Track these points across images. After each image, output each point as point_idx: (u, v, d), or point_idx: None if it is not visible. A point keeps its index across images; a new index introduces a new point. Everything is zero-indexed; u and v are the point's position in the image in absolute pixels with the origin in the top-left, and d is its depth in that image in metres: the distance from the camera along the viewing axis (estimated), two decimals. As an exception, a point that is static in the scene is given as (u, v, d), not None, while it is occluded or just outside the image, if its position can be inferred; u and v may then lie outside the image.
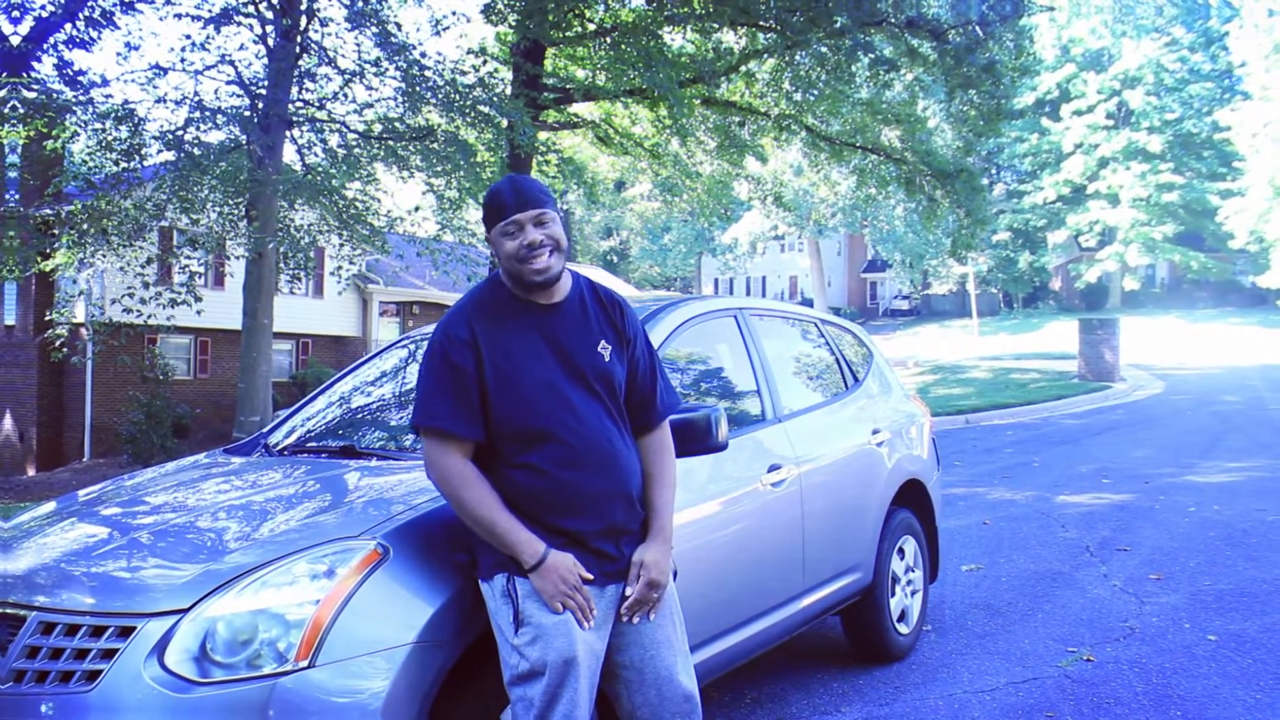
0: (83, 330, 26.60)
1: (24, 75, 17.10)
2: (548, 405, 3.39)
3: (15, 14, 17.03)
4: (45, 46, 17.33)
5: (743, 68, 24.61)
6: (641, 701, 3.51)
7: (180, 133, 17.84)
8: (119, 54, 18.47)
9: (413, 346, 5.71)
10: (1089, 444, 18.03)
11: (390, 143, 19.54)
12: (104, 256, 19.85)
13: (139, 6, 18.33)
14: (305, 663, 3.07)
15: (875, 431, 6.45)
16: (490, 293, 3.56)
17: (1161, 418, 22.26)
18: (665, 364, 4.11)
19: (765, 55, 23.97)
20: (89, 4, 17.42)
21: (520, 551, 3.25)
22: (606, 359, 3.56)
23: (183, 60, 18.50)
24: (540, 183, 3.49)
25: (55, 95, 17.37)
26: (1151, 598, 7.70)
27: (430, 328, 5.75)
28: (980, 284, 72.39)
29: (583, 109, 25.97)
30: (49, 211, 19.82)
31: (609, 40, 22.83)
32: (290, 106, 18.69)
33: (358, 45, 19.51)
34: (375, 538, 3.40)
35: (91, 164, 19.10)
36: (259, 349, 19.06)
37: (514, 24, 22.01)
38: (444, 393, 3.37)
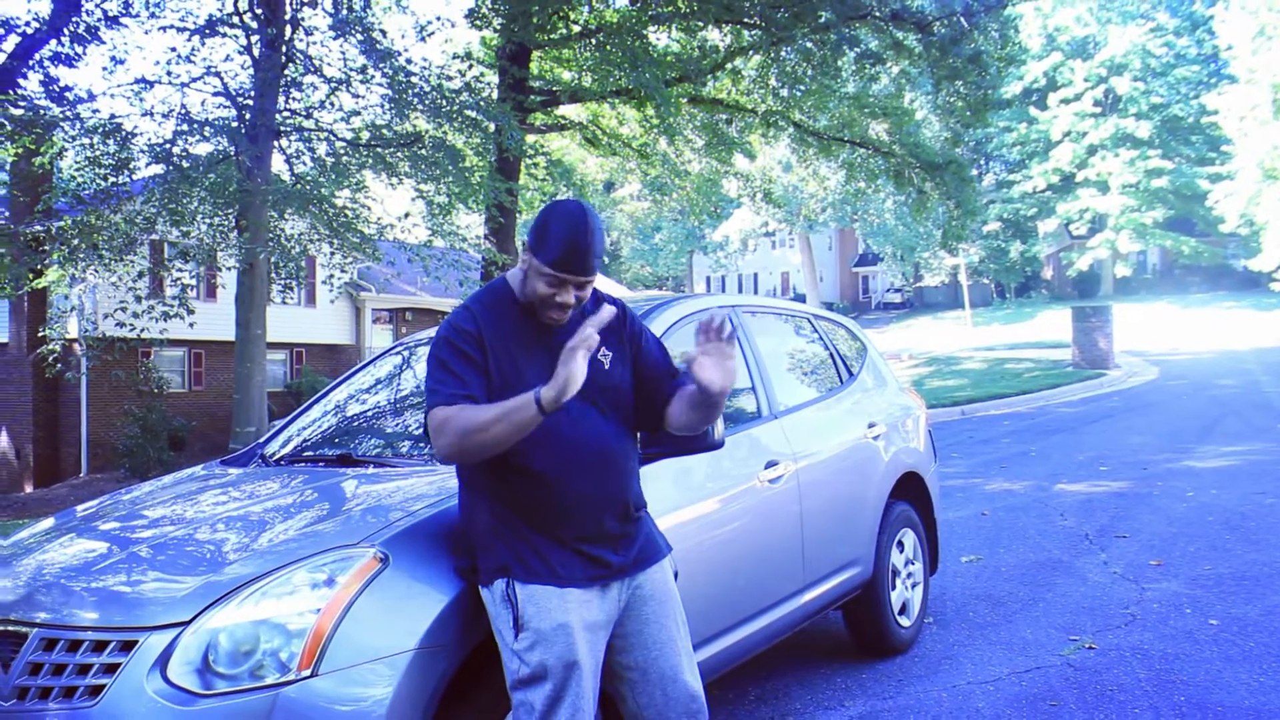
0: (76, 346, 26.56)
1: (10, 92, 17.08)
2: None
3: (0, 31, 17.01)
4: (31, 63, 17.30)
5: (729, 65, 24.64)
6: (647, 702, 3.52)
7: (168, 145, 17.81)
8: (105, 69, 18.45)
9: (406, 353, 5.70)
10: (1085, 432, 18.03)
11: (378, 150, 19.51)
12: (95, 271, 19.83)
13: (124, 21, 18.31)
14: (308, 672, 3.07)
15: (871, 425, 6.45)
16: (495, 295, 3.55)
17: (1157, 403, 22.26)
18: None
19: (751, 52, 24.00)
20: (74, 20, 17.40)
21: (525, 405, 3.08)
22: (607, 366, 3.56)
23: (169, 73, 18.50)
24: (603, 244, 3.41)
25: (42, 111, 17.35)
26: (1152, 584, 7.70)
27: (424, 333, 5.76)
28: (972, 275, 72.39)
29: (570, 111, 25.99)
30: (39, 228, 19.77)
31: (594, 41, 22.85)
32: (277, 116, 18.66)
33: (343, 53, 19.51)
34: (374, 545, 3.39)
35: (80, 179, 19.06)
36: (253, 359, 19.03)
37: (499, 28, 22.04)
38: (452, 374, 3.32)
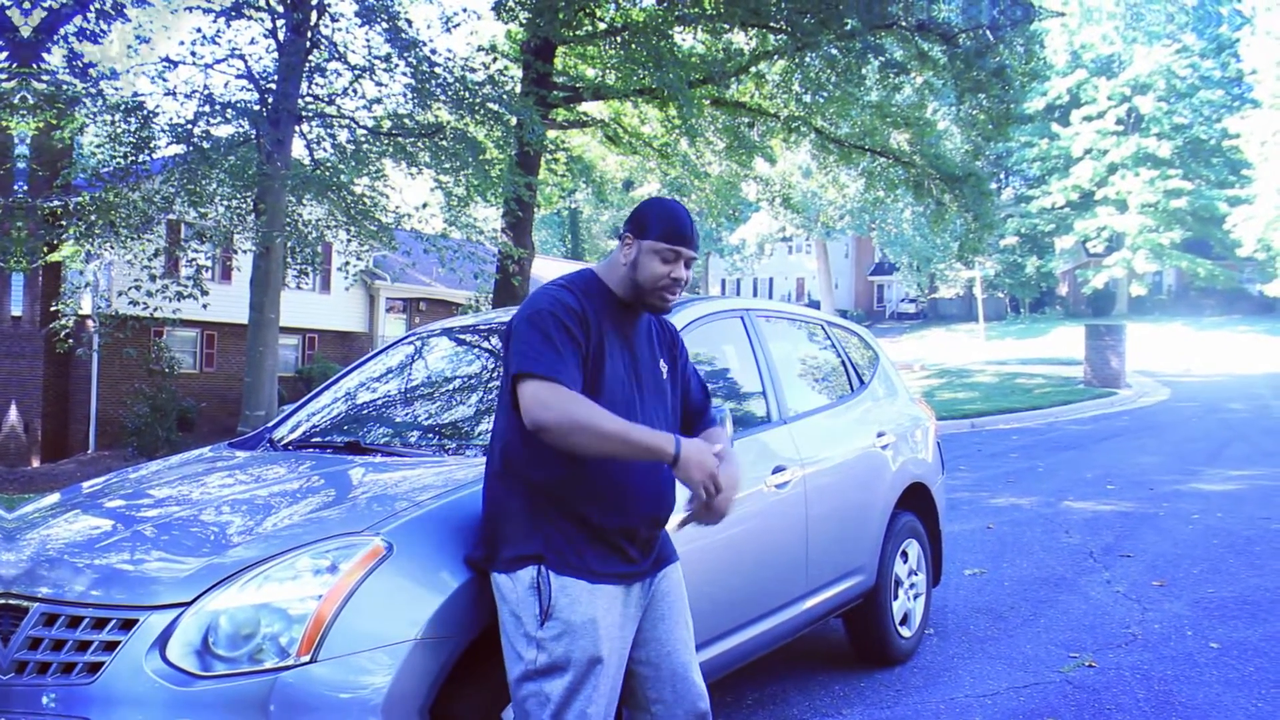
0: (89, 322, 26.61)
1: (34, 66, 17.10)
2: (622, 395, 3.43)
3: (26, 5, 17.03)
4: (55, 38, 17.33)
5: (753, 69, 24.59)
6: (656, 697, 3.55)
7: (189, 126, 17.85)
8: (129, 46, 18.45)
9: (418, 343, 5.69)
10: (1094, 450, 18.01)
11: (399, 139, 19.53)
12: (111, 249, 19.83)
13: (150, -1, 18.37)
14: (307, 657, 3.07)
15: (880, 434, 6.44)
16: (588, 283, 3.56)
17: (1167, 424, 22.25)
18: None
19: (775, 56, 23.94)
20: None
21: (664, 445, 3.17)
22: (664, 375, 3.68)
23: (193, 54, 18.51)
24: None
25: (65, 87, 17.37)
26: (1154, 604, 7.69)
27: (438, 324, 5.75)
28: (987, 288, 72.30)
29: (592, 108, 25.96)
30: (57, 203, 19.77)
31: (619, 39, 22.82)
32: (300, 101, 18.68)
33: (368, 41, 19.51)
34: (379, 533, 3.39)
35: (100, 156, 19.09)
36: (265, 343, 19.04)
37: (524, 22, 22.04)
38: (559, 351, 3.26)
